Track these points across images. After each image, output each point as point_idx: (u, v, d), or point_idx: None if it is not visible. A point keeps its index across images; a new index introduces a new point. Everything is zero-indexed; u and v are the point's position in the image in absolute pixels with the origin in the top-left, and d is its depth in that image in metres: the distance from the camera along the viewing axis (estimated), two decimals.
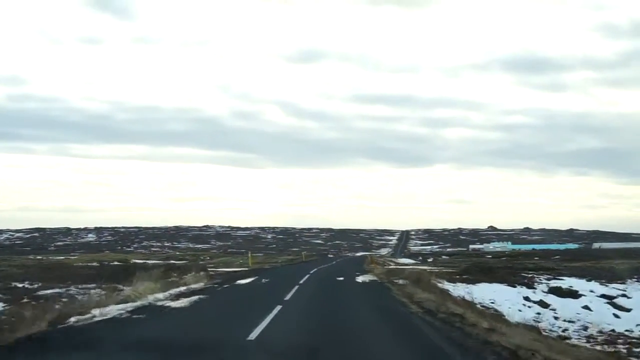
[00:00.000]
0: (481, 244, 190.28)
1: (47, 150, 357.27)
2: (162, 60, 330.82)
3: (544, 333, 21.03)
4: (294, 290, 21.71)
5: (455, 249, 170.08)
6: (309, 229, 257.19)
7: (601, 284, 35.16)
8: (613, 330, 22.13)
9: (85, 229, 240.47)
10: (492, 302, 28.09)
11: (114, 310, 14.12)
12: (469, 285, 30.70)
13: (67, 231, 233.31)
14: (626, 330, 22.07)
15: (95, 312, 13.27)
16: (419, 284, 25.63)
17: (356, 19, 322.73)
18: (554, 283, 34.41)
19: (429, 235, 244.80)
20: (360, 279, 31.70)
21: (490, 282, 33.54)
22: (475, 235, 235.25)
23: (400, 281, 27.88)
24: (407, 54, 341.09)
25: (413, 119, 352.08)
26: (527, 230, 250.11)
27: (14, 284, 26.55)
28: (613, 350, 16.82)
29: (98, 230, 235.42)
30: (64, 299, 19.90)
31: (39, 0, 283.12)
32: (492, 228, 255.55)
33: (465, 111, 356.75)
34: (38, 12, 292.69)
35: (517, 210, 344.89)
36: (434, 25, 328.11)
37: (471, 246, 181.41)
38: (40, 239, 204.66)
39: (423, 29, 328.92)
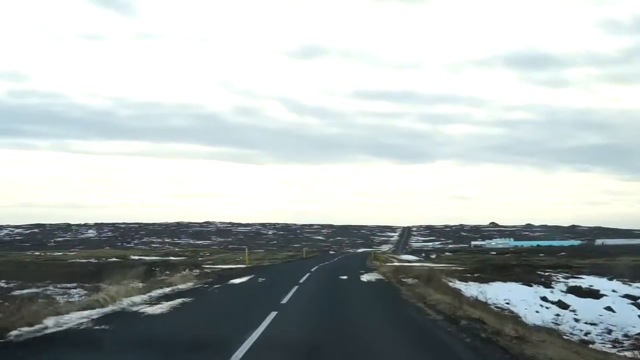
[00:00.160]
0: (483, 240, 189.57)
1: (49, 146, 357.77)
2: (164, 56, 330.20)
3: (565, 337, 19.31)
4: (292, 292, 19.42)
5: (457, 246, 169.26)
6: (310, 225, 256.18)
7: (623, 282, 33.07)
8: None
9: (85, 225, 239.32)
10: (507, 303, 27.08)
11: (74, 318, 11.70)
12: (481, 285, 29.43)
13: (67, 227, 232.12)
14: None
15: (49, 321, 10.86)
16: (430, 283, 23.55)
17: (358, 15, 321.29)
18: (573, 282, 32.52)
19: (431, 231, 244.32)
20: (365, 277, 29.48)
21: (505, 280, 31.71)
22: (477, 231, 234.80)
23: (409, 280, 25.86)
24: (408, 50, 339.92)
25: (414, 115, 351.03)
26: (528, 226, 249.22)
27: None
28: None
29: (98, 227, 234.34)
30: (41, 299, 17.84)
31: None
32: (493, 224, 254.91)
33: (467, 107, 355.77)
34: (40, 8, 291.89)
35: (519, 207, 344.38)
36: (435, 22, 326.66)
37: (473, 242, 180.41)
38: (40, 235, 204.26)
39: (425, 25, 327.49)
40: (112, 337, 10.15)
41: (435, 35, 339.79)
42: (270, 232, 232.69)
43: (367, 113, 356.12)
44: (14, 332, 9.70)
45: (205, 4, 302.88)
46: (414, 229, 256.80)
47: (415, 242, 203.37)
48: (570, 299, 29.36)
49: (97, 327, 10.96)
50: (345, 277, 29.43)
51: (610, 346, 19.12)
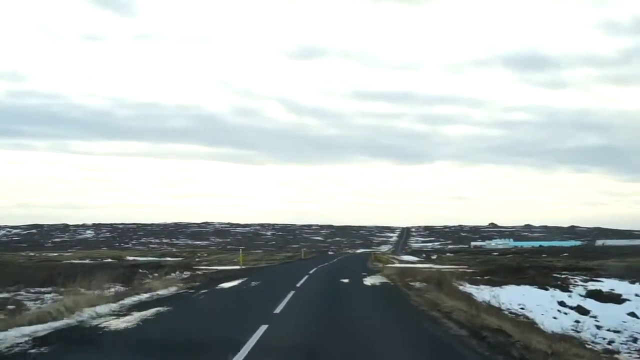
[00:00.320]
0: (482, 241, 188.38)
1: (48, 147, 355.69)
2: (163, 56, 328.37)
3: (587, 346, 17.39)
4: (288, 298, 17.11)
5: (457, 246, 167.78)
6: (309, 226, 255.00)
7: None
8: None
9: (83, 225, 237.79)
10: (522, 308, 25.37)
11: (12, 336, 9.32)
12: (494, 288, 27.25)
13: (65, 228, 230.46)
14: None
15: None
16: (441, 287, 21.32)
17: (357, 16, 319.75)
18: (592, 285, 30.21)
19: (430, 232, 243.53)
20: (368, 281, 27.17)
21: (518, 284, 29.46)
22: (476, 232, 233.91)
23: (417, 284, 23.62)
24: (408, 50, 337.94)
25: (414, 115, 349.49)
26: (528, 227, 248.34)
27: None
28: None
29: (96, 227, 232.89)
30: (9, 306, 15.59)
31: None
32: (493, 225, 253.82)
33: (466, 108, 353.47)
34: (40, 8, 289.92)
35: (518, 207, 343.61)
36: (435, 22, 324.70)
37: (472, 243, 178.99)
38: (38, 236, 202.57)
39: (424, 26, 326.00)
40: None
41: (434, 36, 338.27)
42: (269, 233, 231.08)
43: (366, 114, 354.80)
44: None
45: (205, 5, 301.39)
46: (413, 229, 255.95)
47: (415, 243, 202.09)
48: (590, 303, 27.24)
49: (33, 351, 8.51)
50: (346, 281, 27.13)
51: (637, 356, 17.42)
